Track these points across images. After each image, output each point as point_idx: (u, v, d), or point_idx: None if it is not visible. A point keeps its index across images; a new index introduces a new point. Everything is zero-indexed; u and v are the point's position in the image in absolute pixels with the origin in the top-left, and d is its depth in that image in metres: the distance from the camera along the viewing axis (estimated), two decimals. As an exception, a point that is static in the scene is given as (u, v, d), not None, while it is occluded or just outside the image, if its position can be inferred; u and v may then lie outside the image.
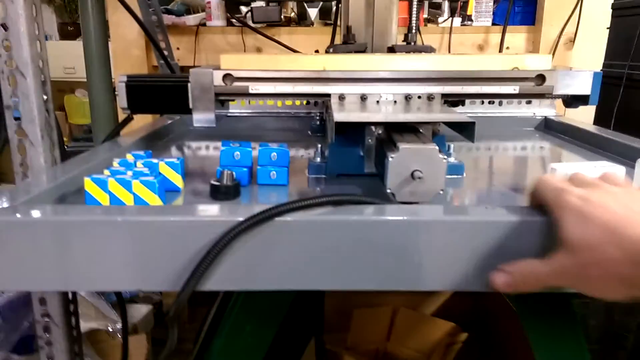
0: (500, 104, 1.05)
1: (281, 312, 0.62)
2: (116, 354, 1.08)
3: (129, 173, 0.52)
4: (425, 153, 0.48)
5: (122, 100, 0.71)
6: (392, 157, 0.49)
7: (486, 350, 1.01)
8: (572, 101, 0.74)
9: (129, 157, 0.60)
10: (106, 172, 0.53)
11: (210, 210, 0.46)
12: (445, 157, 0.49)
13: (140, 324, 1.22)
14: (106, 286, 0.45)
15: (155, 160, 0.58)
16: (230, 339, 0.59)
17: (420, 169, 0.48)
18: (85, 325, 1.04)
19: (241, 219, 0.43)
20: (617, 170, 0.58)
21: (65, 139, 2.26)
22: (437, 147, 0.48)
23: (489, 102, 1.05)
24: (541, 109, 1.06)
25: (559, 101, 1.08)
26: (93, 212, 0.44)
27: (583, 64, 1.61)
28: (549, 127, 1.03)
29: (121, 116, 0.93)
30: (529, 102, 1.06)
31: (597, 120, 1.50)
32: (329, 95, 0.70)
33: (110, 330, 1.10)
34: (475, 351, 1.00)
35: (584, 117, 1.14)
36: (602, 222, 0.38)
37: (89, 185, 0.51)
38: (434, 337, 1.02)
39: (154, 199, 0.50)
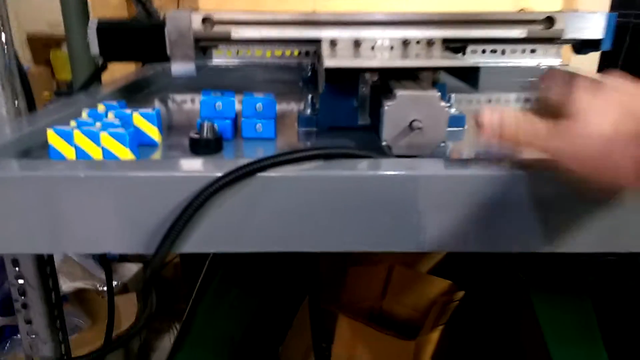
0: (503, 52, 0.99)
1: (270, 274, 0.59)
2: (105, 313, 1.06)
3: (98, 124, 0.47)
4: (425, 100, 0.43)
5: (93, 47, 0.65)
6: (388, 106, 0.44)
7: (484, 308, 0.99)
8: (582, 47, 0.69)
9: (100, 108, 0.55)
10: (72, 123, 0.48)
11: (186, 165, 0.42)
12: (448, 104, 0.44)
13: (130, 282, 1.20)
14: (74, 248, 0.41)
15: (128, 111, 0.53)
16: (215, 303, 0.56)
17: (420, 119, 0.44)
18: (70, 285, 1.02)
19: (220, 174, 0.39)
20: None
21: (47, 93, 2.18)
22: (438, 94, 0.43)
23: (491, 51, 0.98)
24: (546, 59, 1.00)
25: (565, 50, 1.03)
26: (54, 167, 0.39)
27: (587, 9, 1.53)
28: (553, 78, 0.97)
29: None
30: (532, 51, 1.00)
31: (601, 70, 1.44)
32: (319, 41, 0.64)
33: (99, 288, 1.08)
34: (472, 309, 0.98)
35: (588, 68, 1.08)
36: (627, 96, 0.35)
37: (53, 138, 0.46)
38: (430, 295, 1.00)
39: (125, 153, 0.46)
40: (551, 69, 0.40)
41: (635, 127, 0.33)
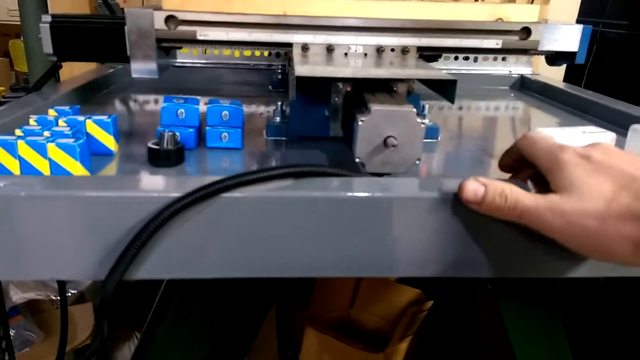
0: (475, 60, 0.98)
1: (233, 287, 0.56)
2: (59, 324, 1.00)
3: (46, 134, 0.43)
4: (401, 116, 0.41)
5: (46, 45, 0.60)
6: (362, 121, 0.41)
7: (452, 317, 0.98)
8: (557, 58, 0.68)
9: (51, 113, 0.50)
10: (18, 132, 0.44)
11: (141, 183, 0.38)
12: (424, 121, 0.42)
13: (87, 291, 1.14)
14: (15, 274, 0.37)
15: (81, 118, 0.48)
16: (175, 326, 0.52)
17: (395, 135, 0.41)
18: (22, 296, 0.96)
19: (179, 194, 0.35)
20: (607, 136, 0.52)
21: (2, 88, 2.07)
22: (414, 110, 0.41)
23: (464, 58, 0.98)
24: (517, 67, 1.00)
25: (535, 59, 1.03)
26: (-9, 185, 0.35)
27: (556, 19, 1.55)
28: (525, 86, 0.97)
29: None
30: (504, 59, 0.99)
31: (567, 79, 1.46)
32: (290, 45, 0.61)
33: (53, 298, 1.02)
34: (441, 319, 0.97)
35: (554, 75, 1.09)
36: (618, 171, 0.33)
37: (-6, 149, 0.41)
38: (399, 304, 0.98)
39: (75, 166, 0.42)
40: (528, 135, 0.39)
41: (628, 201, 0.32)
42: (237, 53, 0.95)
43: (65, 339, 0.73)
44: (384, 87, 0.48)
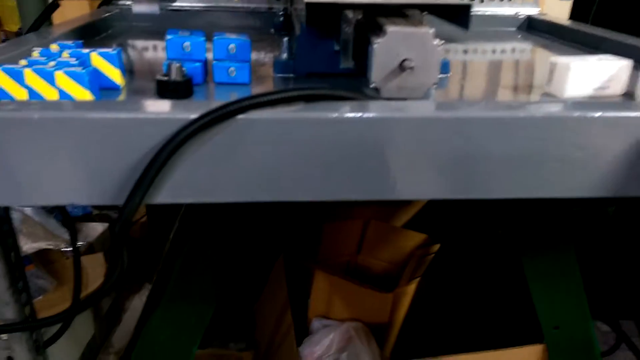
0: (481, 0, 0.95)
1: (247, 228, 0.56)
2: (70, 274, 1.01)
3: (52, 63, 0.42)
4: (417, 37, 0.40)
5: (43, -19, 0.58)
6: (377, 43, 0.40)
7: (460, 260, 1.00)
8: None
9: (54, 47, 0.49)
10: (23, 62, 0.43)
11: (156, 106, 0.38)
12: (441, 42, 0.41)
13: (96, 243, 1.15)
14: (31, 200, 0.37)
15: (85, 51, 0.47)
16: (191, 259, 0.53)
17: (412, 58, 0.40)
18: (32, 246, 0.96)
19: (195, 116, 0.35)
20: (623, 63, 0.51)
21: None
22: (431, 30, 0.40)
23: (471, -2, 0.95)
24: (524, 7, 0.97)
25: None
26: (3, 108, 0.34)
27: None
28: (532, 27, 0.95)
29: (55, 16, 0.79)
30: (510, 0, 0.97)
31: (574, 19, 1.43)
32: (296, -23, 0.59)
33: (63, 249, 1.03)
34: (448, 261, 0.98)
35: (561, 15, 1.07)
36: None
37: (1, 78, 0.40)
38: (405, 249, 1.00)
39: (84, 95, 0.41)
40: None
41: None
42: (237, -4, 0.92)
43: (79, 284, 0.73)
44: (397, 14, 0.47)
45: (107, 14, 0.83)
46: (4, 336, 0.63)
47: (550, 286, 0.59)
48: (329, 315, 0.95)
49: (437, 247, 0.96)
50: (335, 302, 0.93)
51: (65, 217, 0.74)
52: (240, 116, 0.35)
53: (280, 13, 0.88)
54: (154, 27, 0.86)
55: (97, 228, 1.20)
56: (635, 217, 1.25)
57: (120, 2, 0.87)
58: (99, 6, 0.89)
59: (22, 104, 0.35)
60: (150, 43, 0.80)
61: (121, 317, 1.36)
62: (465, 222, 0.96)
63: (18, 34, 2.06)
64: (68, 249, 1.03)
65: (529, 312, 0.63)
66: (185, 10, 0.89)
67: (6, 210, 0.57)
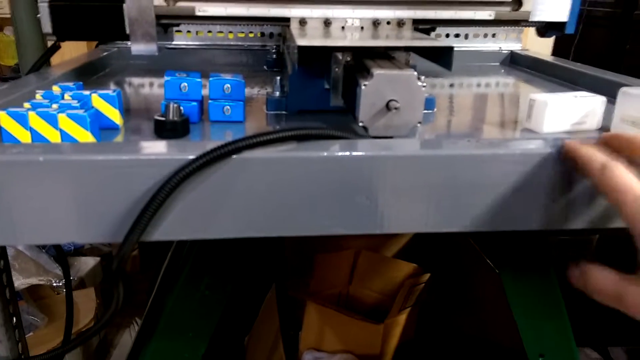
0: (466, 37, 1.00)
1: (240, 261, 0.57)
2: (61, 309, 1.01)
3: (54, 106, 0.44)
4: (402, 79, 0.42)
5: (45, 25, 0.60)
6: (365, 85, 0.43)
7: (449, 290, 1.01)
8: (547, 29, 0.70)
9: (55, 89, 0.51)
10: (26, 105, 0.44)
11: (155, 147, 0.39)
12: (424, 84, 0.43)
13: (87, 277, 1.15)
14: (33, 239, 0.38)
15: (87, 92, 0.49)
16: (186, 293, 0.54)
17: (397, 99, 0.43)
18: (24, 282, 0.96)
19: (192, 156, 0.36)
20: (597, 100, 0.54)
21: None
22: (415, 73, 0.43)
23: (455, 35, 0.99)
24: (507, 43, 1.01)
25: (524, 36, 1.05)
26: (7, 151, 0.36)
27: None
28: (515, 62, 0.99)
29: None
30: (494, 36, 1.01)
31: (557, 54, 1.49)
32: (288, 19, 0.62)
33: (54, 284, 1.02)
34: (438, 291, 0.99)
35: (542, 51, 1.11)
36: None
37: (6, 121, 0.42)
38: (396, 279, 1.01)
39: (85, 136, 0.42)
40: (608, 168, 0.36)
41: None
42: (230, 35, 0.96)
43: (71, 320, 0.74)
44: (383, 56, 0.50)
45: (104, 53, 0.85)
46: (-4, 374, 0.63)
47: (534, 315, 0.60)
48: (320, 347, 0.96)
49: (427, 276, 0.97)
50: (327, 334, 0.93)
51: (59, 253, 0.75)
52: (235, 156, 0.37)
53: (273, 51, 0.91)
54: (151, 65, 0.89)
55: (88, 262, 1.20)
56: (618, 244, 1.28)
57: (118, 42, 0.90)
58: (97, 46, 0.92)
59: (28, 147, 0.36)
60: (147, 80, 0.82)
61: (110, 352, 1.34)
62: (454, 249, 0.97)
63: (15, 69, 2.10)
64: (59, 284, 1.02)
65: (517, 339, 0.64)
66: (181, 48, 0.92)
67: (2, 247, 0.58)
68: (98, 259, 1.23)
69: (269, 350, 0.93)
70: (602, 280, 0.36)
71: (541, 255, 0.60)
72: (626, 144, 0.38)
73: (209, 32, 0.95)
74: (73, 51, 0.96)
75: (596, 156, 0.37)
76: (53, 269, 1.02)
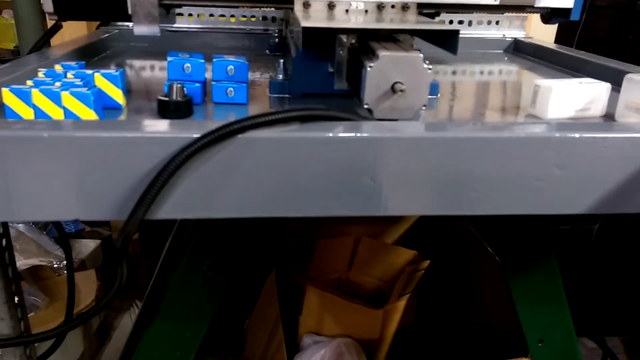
0: (469, 24, 0.99)
1: (241, 244, 0.57)
2: (62, 291, 1.01)
3: (57, 84, 0.44)
4: (408, 61, 0.42)
5: (47, 4, 0.60)
6: (370, 67, 0.42)
7: (448, 276, 1.01)
8: (552, 16, 0.69)
9: (58, 68, 0.51)
10: (29, 82, 0.44)
11: (160, 125, 0.39)
12: (430, 66, 0.43)
13: (88, 259, 1.15)
14: (37, 215, 0.38)
15: (89, 71, 0.49)
16: (188, 273, 0.54)
17: (402, 81, 0.43)
18: (25, 262, 0.96)
19: (197, 135, 0.36)
20: (602, 86, 0.54)
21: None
22: (421, 55, 0.42)
23: (458, 22, 0.99)
24: (511, 31, 1.01)
25: (528, 23, 1.04)
26: (12, 127, 0.36)
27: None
28: (518, 49, 0.98)
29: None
30: (497, 23, 1.00)
31: (559, 42, 1.48)
32: (292, 2, 0.61)
33: (55, 266, 1.03)
34: (438, 277, 1.00)
35: (546, 39, 1.11)
36: None
37: (9, 98, 0.42)
38: (396, 265, 1.01)
39: (89, 114, 0.42)
40: None
41: None
42: (232, 18, 0.95)
43: (72, 300, 0.74)
44: (389, 39, 0.49)
45: (105, 35, 0.85)
46: (-2, 351, 0.63)
47: (534, 301, 0.61)
48: (319, 331, 0.96)
49: (427, 263, 0.98)
50: (327, 318, 0.94)
51: (61, 234, 0.75)
52: (240, 135, 0.37)
53: (275, 35, 0.90)
54: (151, 48, 0.88)
55: (89, 245, 1.20)
56: (617, 234, 1.28)
57: (119, 24, 0.89)
58: (98, 27, 0.91)
59: (32, 123, 0.36)
60: (147, 63, 0.82)
61: (110, 334, 1.35)
62: (455, 238, 0.98)
63: (14, 52, 2.08)
64: (60, 266, 1.03)
65: (518, 326, 0.64)
66: (183, 31, 0.92)
67: (5, 225, 0.58)
68: (99, 241, 1.23)
69: (268, 334, 0.94)
70: None
71: (543, 241, 0.60)
72: None
73: (211, 15, 0.94)
74: (73, 33, 0.96)
75: None
76: (54, 250, 1.02)
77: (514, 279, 0.60)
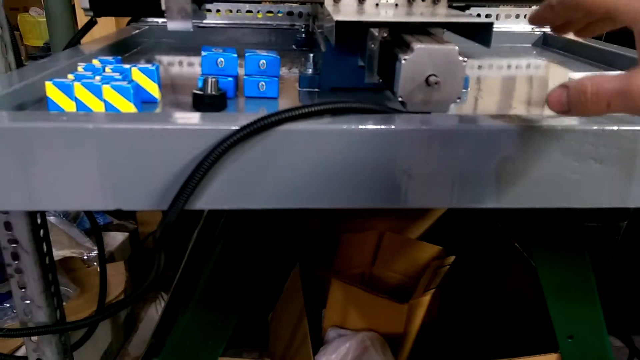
0: (497, 17, 0.98)
1: (270, 236, 0.58)
2: (92, 282, 1.04)
3: (98, 78, 0.45)
4: (443, 54, 0.42)
5: (83, 0, 0.61)
6: (405, 60, 0.42)
7: (475, 271, 1.01)
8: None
9: (96, 63, 0.52)
10: (70, 76, 0.46)
11: (200, 118, 0.40)
12: (465, 59, 0.43)
13: (116, 251, 1.18)
14: (79, 204, 0.39)
15: (126, 66, 0.50)
16: (221, 263, 0.55)
17: (437, 73, 0.43)
18: (57, 253, 0.99)
19: (235, 127, 0.37)
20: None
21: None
22: (456, 47, 0.42)
23: (486, 16, 0.98)
24: (538, 25, 0.99)
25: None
26: (58, 119, 0.37)
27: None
28: (547, 44, 0.97)
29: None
30: (525, 17, 0.99)
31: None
32: (321, -4, 0.61)
33: (85, 257, 1.05)
34: (464, 273, 0.99)
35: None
36: None
37: (52, 91, 0.43)
38: (420, 261, 1.01)
39: (129, 107, 0.43)
40: None
41: None
42: (259, 14, 0.96)
43: (104, 290, 0.76)
44: (422, 31, 0.49)
45: (136, 31, 0.86)
46: (34, 338, 0.65)
47: (565, 295, 0.60)
48: (344, 325, 0.97)
49: (452, 259, 0.97)
50: (351, 312, 0.94)
51: (94, 225, 0.77)
52: (280, 127, 0.37)
53: (302, 30, 0.91)
54: (180, 44, 0.90)
55: (117, 237, 1.23)
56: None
57: (149, 20, 0.90)
58: (128, 23, 0.93)
59: (77, 115, 0.38)
60: (176, 58, 0.83)
61: (137, 326, 1.38)
62: (480, 231, 0.97)
63: (44, 48, 2.13)
64: (89, 257, 1.05)
65: (545, 321, 0.64)
66: (210, 27, 0.93)
67: (43, 216, 0.60)
68: (127, 234, 1.26)
69: (293, 327, 0.95)
70: (595, 81, 0.32)
71: (576, 237, 0.60)
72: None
73: (238, 11, 0.95)
74: (102, 29, 0.97)
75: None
76: (84, 242, 1.05)
77: (545, 275, 0.60)
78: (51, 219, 1.05)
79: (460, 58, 0.42)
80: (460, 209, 0.42)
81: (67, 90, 0.43)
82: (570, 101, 0.33)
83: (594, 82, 0.32)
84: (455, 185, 0.42)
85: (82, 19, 1.34)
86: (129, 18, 0.93)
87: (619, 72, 0.32)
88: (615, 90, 0.31)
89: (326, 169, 0.40)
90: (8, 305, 0.95)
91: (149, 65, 0.51)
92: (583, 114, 0.34)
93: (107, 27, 1.16)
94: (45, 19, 1.21)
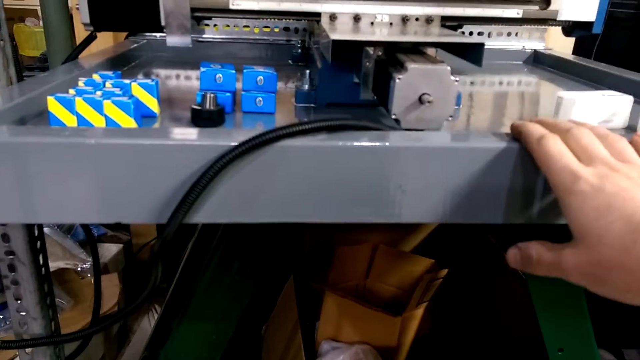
0: (489, 35, 1.00)
1: (266, 249, 0.59)
2: (86, 293, 1.04)
3: (99, 93, 0.46)
4: (436, 74, 0.44)
5: (83, 15, 0.62)
6: (399, 79, 0.44)
7: (467, 285, 1.02)
8: (574, 29, 0.70)
9: (96, 77, 0.53)
10: (72, 91, 0.46)
11: (199, 134, 0.41)
12: (457, 79, 0.44)
13: (110, 263, 1.17)
14: (79, 217, 0.40)
15: (126, 81, 0.51)
16: (217, 276, 0.56)
17: (430, 92, 0.44)
18: (52, 265, 0.98)
19: (234, 143, 0.38)
20: (625, 99, 0.55)
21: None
22: (449, 68, 0.44)
23: (478, 34, 1.00)
24: (530, 42, 1.02)
25: (547, 35, 1.05)
26: (60, 134, 0.38)
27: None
28: (538, 61, 0.99)
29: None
30: (517, 34, 1.02)
31: (577, 54, 1.48)
32: (318, 14, 0.63)
33: (79, 269, 1.05)
34: (456, 286, 1.00)
35: (564, 51, 1.11)
36: (624, 215, 0.31)
37: (53, 106, 0.44)
38: (413, 274, 1.02)
39: (129, 122, 0.44)
40: (545, 146, 0.38)
41: None
42: (256, 29, 0.97)
43: (99, 302, 0.76)
44: (415, 51, 0.51)
45: (134, 45, 0.87)
46: (29, 350, 0.65)
47: (555, 309, 0.61)
48: (338, 337, 0.97)
49: (444, 272, 0.98)
50: (345, 325, 0.95)
51: (90, 237, 0.77)
52: (278, 143, 0.38)
53: (298, 45, 0.92)
54: (177, 58, 0.91)
55: (111, 249, 1.23)
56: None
57: (147, 34, 0.92)
58: (126, 37, 0.94)
59: (79, 130, 0.38)
60: (174, 72, 0.84)
61: (130, 338, 1.37)
62: (472, 247, 0.98)
63: (40, 59, 2.13)
64: (83, 269, 1.05)
65: (536, 334, 0.65)
66: (208, 41, 0.94)
67: (40, 228, 0.60)
68: (121, 245, 1.26)
69: (286, 340, 0.95)
70: (538, 250, 0.38)
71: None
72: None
73: (235, 26, 0.96)
74: (100, 43, 0.98)
75: (536, 129, 0.40)
76: (78, 254, 1.05)
77: (535, 288, 0.61)
78: (45, 230, 1.05)
79: (452, 77, 0.44)
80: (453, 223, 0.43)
81: (69, 105, 0.44)
82: (522, 263, 0.39)
83: (537, 251, 0.38)
84: (448, 200, 0.43)
85: (79, 30, 1.35)
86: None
87: (559, 244, 0.37)
88: (551, 262, 0.37)
89: (322, 185, 0.41)
90: (1, 316, 0.95)
91: (148, 81, 0.52)
92: (533, 273, 0.39)
93: (105, 40, 1.18)
94: (41, 30, 1.22)
